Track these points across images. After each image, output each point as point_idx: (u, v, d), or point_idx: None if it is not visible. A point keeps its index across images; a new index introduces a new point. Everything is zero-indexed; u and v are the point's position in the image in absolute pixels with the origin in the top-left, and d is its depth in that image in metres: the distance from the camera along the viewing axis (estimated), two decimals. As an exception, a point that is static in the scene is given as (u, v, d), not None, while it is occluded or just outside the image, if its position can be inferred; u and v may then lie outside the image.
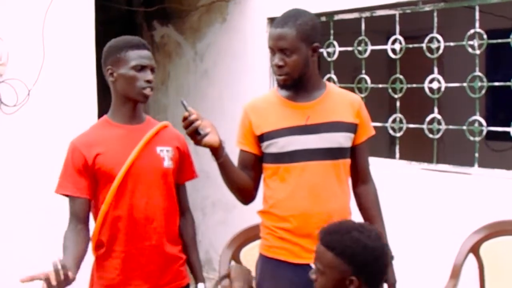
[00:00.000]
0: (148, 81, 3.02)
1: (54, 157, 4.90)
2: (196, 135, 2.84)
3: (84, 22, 5.27)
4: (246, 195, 3.16)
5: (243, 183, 3.13)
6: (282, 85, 3.08)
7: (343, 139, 3.11)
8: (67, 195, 3.06)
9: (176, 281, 3.18)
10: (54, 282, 2.60)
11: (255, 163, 3.17)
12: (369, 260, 2.46)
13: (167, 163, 3.12)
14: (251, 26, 6.18)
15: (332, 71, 5.68)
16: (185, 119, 2.84)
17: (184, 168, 3.27)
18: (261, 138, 3.11)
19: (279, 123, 3.08)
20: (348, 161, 3.19)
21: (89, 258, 3.19)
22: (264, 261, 3.17)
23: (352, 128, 3.16)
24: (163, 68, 7.58)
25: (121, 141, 3.06)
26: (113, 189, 3.01)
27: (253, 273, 3.20)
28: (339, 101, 3.18)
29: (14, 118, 4.90)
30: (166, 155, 3.12)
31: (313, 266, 2.81)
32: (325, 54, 5.65)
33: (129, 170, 3.02)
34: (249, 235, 3.77)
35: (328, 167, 3.08)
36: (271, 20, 2.97)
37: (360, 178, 3.28)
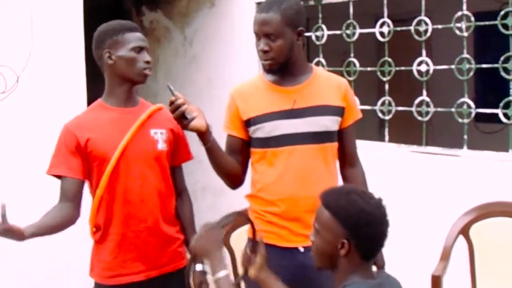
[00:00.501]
0: (147, 62, 3.07)
1: (43, 142, 4.89)
2: (182, 119, 2.82)
3: (72, 9, 5.23)
4: (234, 180, 3.14)
5: (231, 167, 3.11)
6: (268, 70, 3.06)
7: (329, 123, 3.09)
8: (59, 176, 3.07)
9: (174, 262, 3.21)
10: None
11: (243, 148, 3.15)
12: (361, 223, 2.40)
13: (161, 146, 3.15)
14: (239, 11, 6.14)
15: (321, 55, 5.65)
16: (171, 103, 2.82)
17: (179, 150, 3.29)
18: (248, 123, 3.10)
19: (265, 108, 3.07)
20: (335, 144, 3.18)
21: (88, 244, 3.21)
22: (253, 245, 3.15)
23: (339, 111, 3.14)
24: (152, 53, 7.15)
25: (115, 124, 3.09)
26: (108, 172, 3.03)
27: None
28: (325, 84, 3.17)
29: (3, 105, 4.89)
30: (160, 137, 3.15)
31: (301, 249, 2.80)
32: (313, 38, 5.62)
33: (123, 153, 3.05)
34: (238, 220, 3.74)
35: (315, 150, 3.06)
36: (259, 5, 2.96)
37: (347, 161, 3.27)
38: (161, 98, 7.11)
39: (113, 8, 7.86)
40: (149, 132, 3.12)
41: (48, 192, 4.70)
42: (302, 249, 3.04)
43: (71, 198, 3.06)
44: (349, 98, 3.21)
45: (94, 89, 5.42)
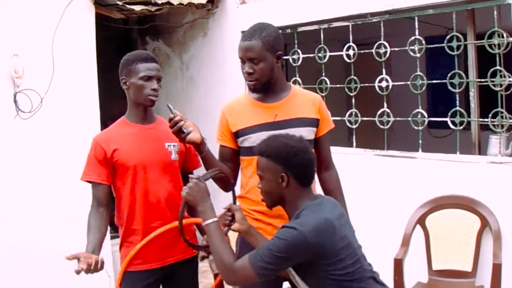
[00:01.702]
0: (154, 89, 3.10)
1: (64, 155, 5.00)
2: (180, 133, 2.86)
3: (86, 40, 5.30)
4: (225, 183, 3.13)
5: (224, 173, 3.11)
6: (253, 90, 3.06)
7: (306, 133, 3.06)
8: (91, 182, 3.12)
9: (186, 251, 3.22)
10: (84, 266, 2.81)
11: (233, 156, 3.14)
12: (290, 155, 2.54)
13: (174, 156, 3.20)
14: (228, 39, 6.15)
15: (297, 75, 5.66)
16: (170, 120, 2.87)
17: (189, 159, 3.32)
18: (236, 135, 3.09)
19: (251, 121, 3.06)
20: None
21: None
22: (243, 240, 3.10)
23: (314, 123, 3.13)
24: None
25: (135, 138, 3.12)
26: (130, 178, 3.10)
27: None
28: (302, 100, 3.15)
29: (29, 123, 4.93)
30: (173, 149, 3.19)
31: None
32: (291, 61, 5.63)
33: (143, 162, 3.10)
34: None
35: None
36: (243, 33, 2.98)
37: (323, 165, 3.24)
38: (163, 114, 7.06)
39: (123, 37, 7.82)
40: (164, 145, 3.16)
41: (73, 197, 4.80)
42: None
43: (103, 202, 3.10)
44: (322, 111, 3.19)
45: (107, 107, 5.46)
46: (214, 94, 6.41)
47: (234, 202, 3.01)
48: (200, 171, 3.38)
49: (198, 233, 3.38)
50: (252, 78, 3.00)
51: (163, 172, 3.15)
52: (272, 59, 3.00)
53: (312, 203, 2.57)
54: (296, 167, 2.57)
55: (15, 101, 4.83)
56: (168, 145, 3.17)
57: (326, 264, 2.42)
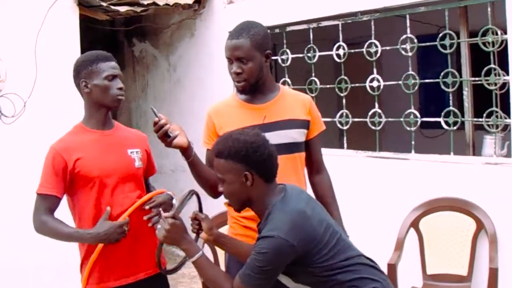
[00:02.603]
0: (120, 88, 2.92)
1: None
2: (166, 138, 2.71)
3: (70, 42, 5.21)
4: (214, 189, 2.99)
5: (211, 178, 2.94)
6: (241, 91, 2.94)
7: (297, 135, 2.97)
8: (47, 195, 2.87)
9: (154, 267, 2.99)
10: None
11: None
12: (250, 151, 2.44)
13: (138, 164, 3.03)
14: (215, 40, 6.07)
15: (287, 75, 5.59)
16: (155, 124, 2.71)
17: (149, 166, 3.17)
18: None
19: (239, 124, 2.90)
20: (303, 154, 3.05)
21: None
22: None
23: (304, 124, 3.02)
24: (142, 78, 7.54)
25: (96, 146, 2.93)
26: (95, 190, 2.89)
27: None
28: (292, 101, 3.04)
29: (12, 128, 4.84)
30: (136, 156, 3.02)
31: None
32: (280, 61, 5.55)
33: (106, 172, 2.90)
34: (219, 220, 3.61)
35: (285, 160, 2.88)
36: (230, 32, 2.90)
37: (314, 168, 3.15)
38: (151, 117, 7.05)
39: (109, 40, 7.81)
40: (127, 151, 2.98)
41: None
42: None
43: (52, 212, 2.89)
44: (313, 112, 3.09)
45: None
46: (202, 96, 6.32)
47: (200, 210, 2.85)
48: (178, 173, 3.27)
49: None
50: (241, 79, 2.88)
51: (128, 182, 2.96)
52: (261, 58, 2.90)
53: (279, 198, 2.48)
54: (258, 164, 2.48)
55: (-2, 106, 4.71)
56: (131, 152, 3.00)
57: (315, 253, 2.37)
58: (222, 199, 3.11)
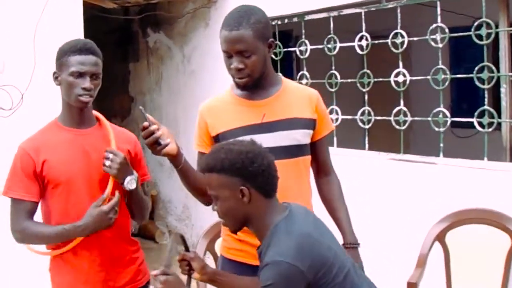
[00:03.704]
0: (85, 89, 2.57)
1: None
2: (155, 146, 2.41)
3: (72, 31, 4.95)
4: (206, 197, 2.61)
5: (203, 185, 2.59)
6: (244, 87, 2.61)
7: (301, 136, 2.63)
8: (17, 199, 2.61)
9: (135, 281, 2.78)
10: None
11: None
12: (246, 163, 2.20)
13: None
14: (231, 29, 5.80)
15: (305, 68, 5.27)
16: (144, 128, 2.41)
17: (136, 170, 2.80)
18: (216, 139, 2.62)
19: (234, 123, 2.61)
20: (308, 158, 2.72)
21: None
22: (224, 262, 2.71)
23: (310, 124, 2.68)
24: (156, 70, 7.44)
25: (68, 146, 2.64)
26: (62, 196, 2.62)
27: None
28: (295, 96, 2.70)
29: (10, 121, 4.69)
30: None
31: None
32: (298, 53, 5.25)
33: (77, 176, 2.61)
34: (215, 232, 3.39)
35: (287, 165, 2.58)
36: (225, 22, 2.64)
37: (322, 171, 2.84)
38: (165, 110, 7.26)
39: (123, 30, 7.78)
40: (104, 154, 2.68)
41: None
42: None
43: (31, 218, 2.62)
44: (320, 110, 2.75)
45: (107, 103, 5.18)
46: (217, 88, 5.95)
47: (187, 249, 2.54)
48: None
49: None
50: (244, 75, 2.56)
51: (102, 188, 2.63)
52: (264, 49, 2.57)
53: (282, 218, 2.23)
54: (256, 176, 2.22)
55: (-5, 98, 4.60)
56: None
57: (320, 284, 2.13)
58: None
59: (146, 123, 2.41)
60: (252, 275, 2.54)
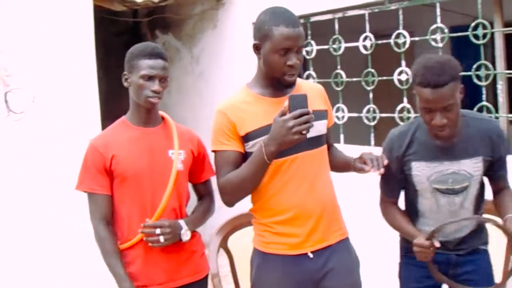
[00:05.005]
0: (154, 91, 2.74)
1: (58, 158, 4.72)
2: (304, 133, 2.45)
3: (83, 33, 4.96)
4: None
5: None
6: (290, 84, 2.68)
7: (322, 127, 2.74)
8: (90, 192, 2.80)
9: (194, 273, 2.93)
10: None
11: (243, 162, 2.72)
12: (458, 64, 2.68)
13: (178, 166, 2.84)
14: (238, 31, 5.95)
15: (311, 68, 5.42)
16: (303, 114, 2.42)
17: (198, 169, 2.99)
18: (246, 138, 2.65)
19: (261, 121, 2.64)
20: (326, 146, 2.83)
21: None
22: (263, 257, 2.76)
23: (325, 115, 2.80)
24: None
25: (135, 143, 2.81)
26: (131, 190, 2.79)
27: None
28: (310, 91, 2.72)
29: (21, 124, 4.66)
30: (178, 158, 2.84)
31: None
32: (304, 53, 5.33)
33: (143, 172, 2.78)
34: (235, 223, 3.45)
35: (315, 155, 2.70)
36: (284, 20, 2.69)
37: (328, 147, 2.92)
38: (173, 111, 7.09)
39: (131, 32, 7.76)
40: (167, 152, 2.83)
41: (65, 203, 4.56)
42: (311, 255, 2.69)
43: (109, 216, 2.81)
44: (328, 103, 2.91)
45: (117, 105, 5.22)
46: (225, 89, 6.15)
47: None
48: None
49: None
50: (296, 71, 2.63)
51: (164, 183, 2.80)
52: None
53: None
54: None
55: (6, 101, 4.59)
56: (172, 153, 2.83)
57: None
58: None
59: (306, 109, 2.43)
60: (289, 263, 2.67)
